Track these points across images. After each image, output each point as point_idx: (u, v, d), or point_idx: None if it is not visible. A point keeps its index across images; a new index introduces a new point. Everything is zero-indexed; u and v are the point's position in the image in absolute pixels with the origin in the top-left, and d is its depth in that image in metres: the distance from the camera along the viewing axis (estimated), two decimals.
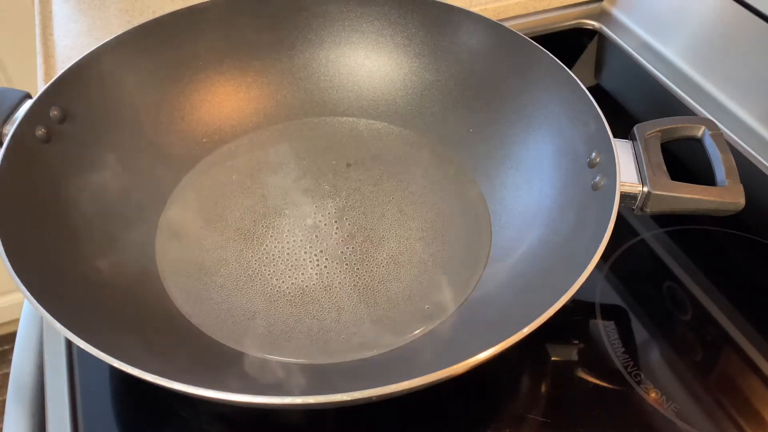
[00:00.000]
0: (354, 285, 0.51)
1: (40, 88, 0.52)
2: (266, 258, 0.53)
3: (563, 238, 0.48)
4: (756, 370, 0.48)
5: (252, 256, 0.53)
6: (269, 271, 0.52)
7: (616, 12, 0.77)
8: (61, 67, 0.52)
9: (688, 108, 0.66)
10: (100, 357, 0.36)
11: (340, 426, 0.45)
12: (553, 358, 0.48)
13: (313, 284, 0.51)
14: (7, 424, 0.46)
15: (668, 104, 0.68)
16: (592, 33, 0.78)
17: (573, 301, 0.39)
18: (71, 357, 0.48)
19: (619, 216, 0.46)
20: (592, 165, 0.49)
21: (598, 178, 0.48)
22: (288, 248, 0.53)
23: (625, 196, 0.47)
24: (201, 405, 0.45)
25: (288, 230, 0.55)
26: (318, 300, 0.50)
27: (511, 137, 0.58)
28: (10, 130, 0.48)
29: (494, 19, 0.60)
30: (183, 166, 0.59)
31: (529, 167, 0.56)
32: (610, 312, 0.51)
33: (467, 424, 0.45)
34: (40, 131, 0.49)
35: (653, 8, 0.74)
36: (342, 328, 0.49)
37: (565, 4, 0.78)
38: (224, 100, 0.63)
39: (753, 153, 0.60)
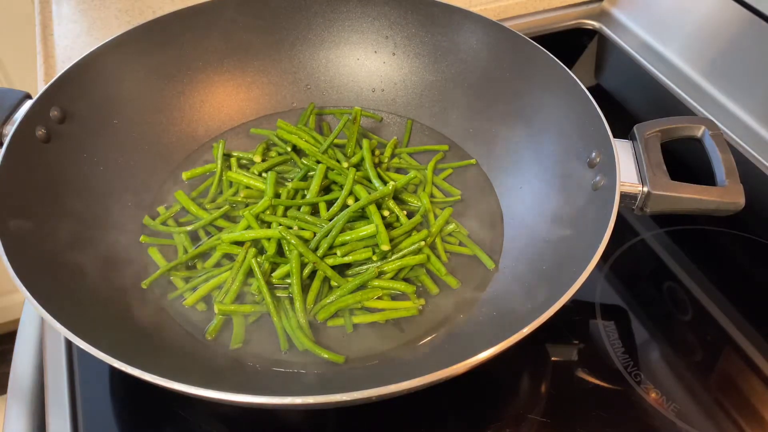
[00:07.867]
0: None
1: (40, 88, 0.52)
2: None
3: (563, 238, 0.48)
4: (756, 370, 0.48)
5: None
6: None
7: (616, 12, 0.77)
8: (61, 67, 0.53)
9: (688, 108, 0.66)
10: (100, 357, 0.36)
11: (341, 426, 0.45)
12: (553, 359, 0.48)
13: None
14: (7, 424, 0.46)
15: (668, 104, 0.68)
16: (592, 33, 0.78)
17: (573, 301, 0.39)
18: (71, 357, 0.48)
19: (619, 216, 0.46)
20: (592, 165, 0.49)
21: (598, 178, 0.48)
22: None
23: (625, 196, 0.47)
24: (201, 405, 0.45)
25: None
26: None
27: (511, 138, 0.58)
28: (10, 130, 0.48)
29: (494, 19, 0.60)
30: (183, 166, 0.59)
31: (530, 167, 0.56)
32: (610, 312, 0.51)
33: (467, 424, 0.45)
34: (40, 131, 0.50)
35: (653, 8, 0.74)
36: (342, 328, 0.49)
37: (565, 4, 0.78)
38: (224, 100, 0.63)
39: (753, 153, 0.61)
